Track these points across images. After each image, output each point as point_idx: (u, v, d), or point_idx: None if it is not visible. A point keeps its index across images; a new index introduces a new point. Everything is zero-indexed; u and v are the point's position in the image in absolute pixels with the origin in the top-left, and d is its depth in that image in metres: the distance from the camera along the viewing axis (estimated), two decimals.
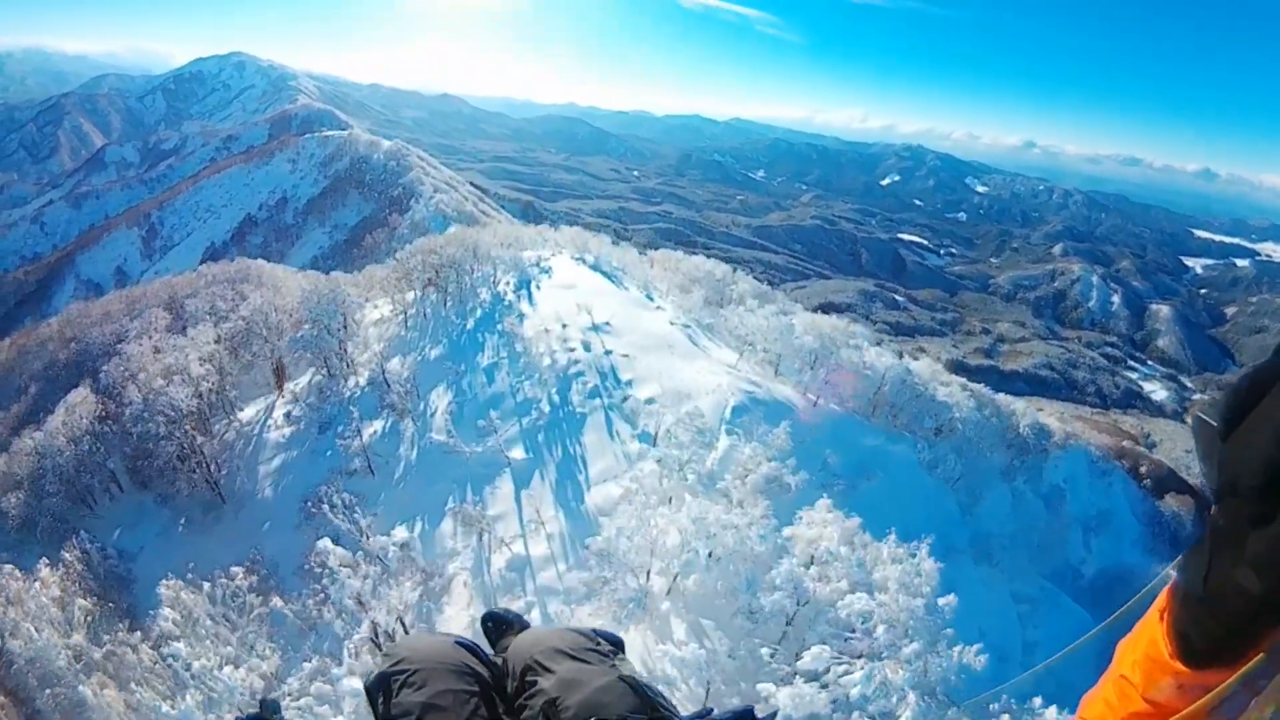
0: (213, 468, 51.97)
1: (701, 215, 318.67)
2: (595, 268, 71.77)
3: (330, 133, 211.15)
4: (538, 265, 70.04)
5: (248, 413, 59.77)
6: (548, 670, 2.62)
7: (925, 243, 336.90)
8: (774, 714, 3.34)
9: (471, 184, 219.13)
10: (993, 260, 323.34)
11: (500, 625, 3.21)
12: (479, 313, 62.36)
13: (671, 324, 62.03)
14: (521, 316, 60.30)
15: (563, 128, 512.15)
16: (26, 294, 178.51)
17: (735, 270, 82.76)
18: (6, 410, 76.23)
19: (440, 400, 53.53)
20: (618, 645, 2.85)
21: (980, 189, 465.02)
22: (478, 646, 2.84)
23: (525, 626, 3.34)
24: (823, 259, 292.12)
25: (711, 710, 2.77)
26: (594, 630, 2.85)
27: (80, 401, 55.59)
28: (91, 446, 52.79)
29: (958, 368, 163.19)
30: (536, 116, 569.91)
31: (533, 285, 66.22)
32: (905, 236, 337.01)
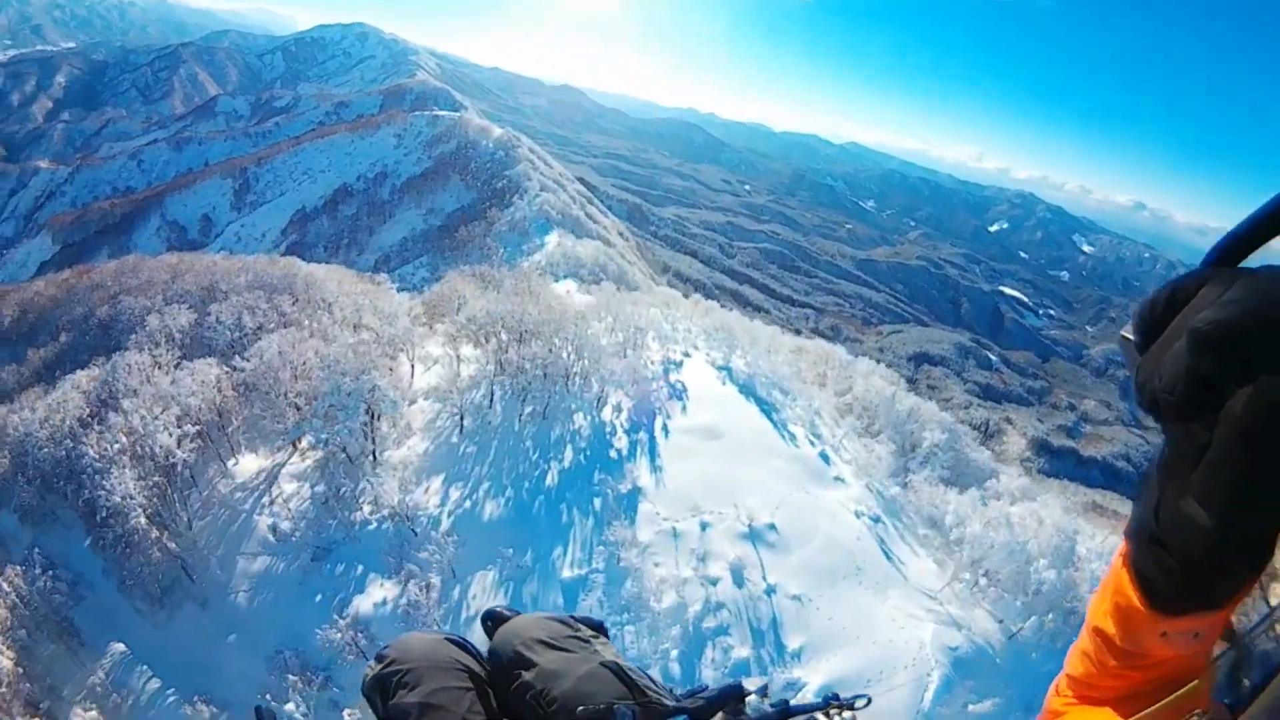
0: (181, 541, 42.74)
1: (808, 240, 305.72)
2: (746, 389, 57.07)
3: (441, 113, 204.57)
4: (665, 379, 54.68)
5: (246, 465, 48.84)
6: (531, 662, 2.62)
7: (1025, 300, 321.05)
8: (764, 686, 2.72)
9: (581, 180, 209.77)
10: (1089, 329, 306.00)
11: (499, 622, 2.92)
12: (569, 455, 47.57)
13: (858, 514, 47.49)
14: (634, 501, 44.22)
15: (679, 132, 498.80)
16: (109, 224, 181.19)
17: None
18: (36, 348, 76.61)
19: (481, 597, 39.40)
20: (598, 629, 2.84)
21: (1086, 248, 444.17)
22: (468, 642, 2.80)
23: None
24: (923, 303, 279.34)
25: (705, 687, 2.76)
26: (573, 616, 2.82)
27: (74, 392, 50.74)
28: (69, 453, 45.70)
29: (1041, 447, 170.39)
30: (654, 118, 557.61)
31: (656, 425, 50.37)
32: (1007, 290, 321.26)
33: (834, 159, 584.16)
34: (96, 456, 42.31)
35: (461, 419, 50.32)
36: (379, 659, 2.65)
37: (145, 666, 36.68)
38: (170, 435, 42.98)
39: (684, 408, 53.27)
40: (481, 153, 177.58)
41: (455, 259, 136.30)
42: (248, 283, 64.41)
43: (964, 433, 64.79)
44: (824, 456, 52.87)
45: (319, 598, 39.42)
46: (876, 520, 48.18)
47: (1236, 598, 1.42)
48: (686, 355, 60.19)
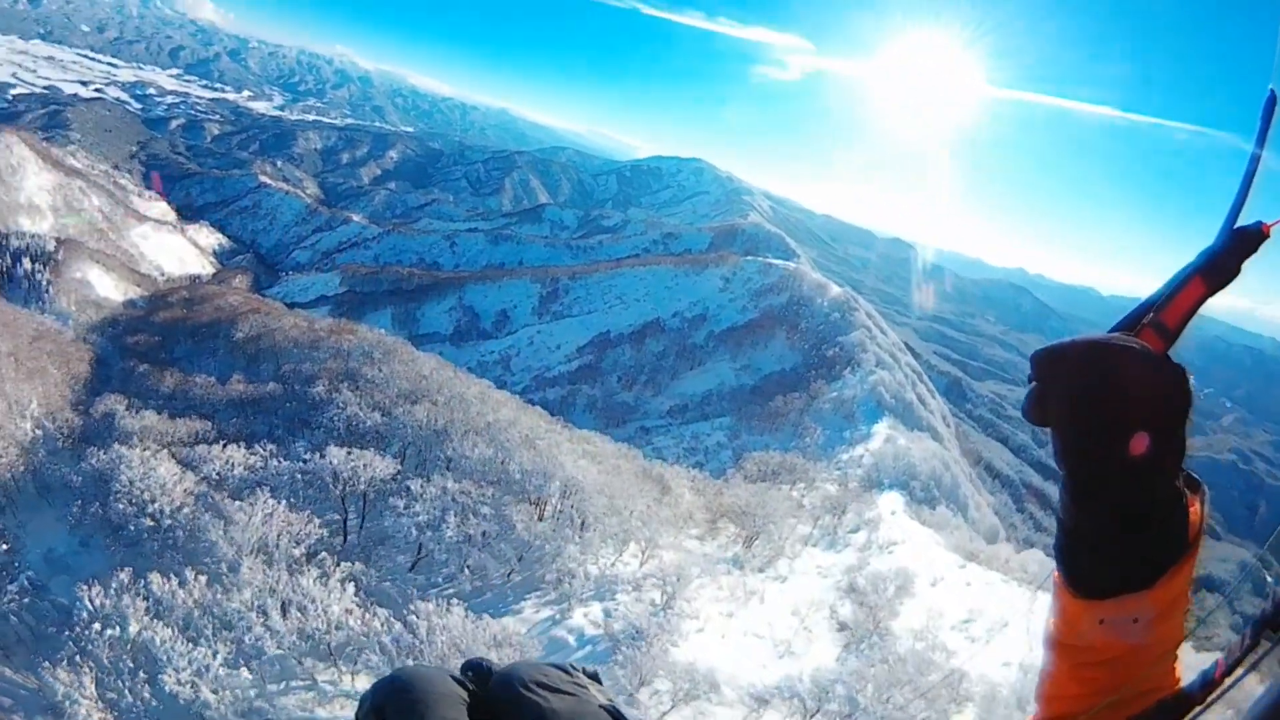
0: None
1: None
2: None
3: (775, 261, 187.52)
4: None
5: None
6: (533, 704, 2.42)
7: None
8: None
9: (909, 348, 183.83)
10: None
11: (480, 675, 2.61)
12: None
13: None
14: None
15: (1006, 296, 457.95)
16: (402, 288, 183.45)
17: None
18: (246, 377, 72.58)
19: None
20: (594, 678, 2.67)
21: None
22: (467, 680, 2.57)
23: None
24: (1220, 509, 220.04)
25: None
26: (570, 664, 2.66)
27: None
28: None
29: None
30: (982, 278, 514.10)
31: None
32: None
33: None
34: None
35: None
36: (377, 689, 2.47)
37: None
38: None
39: None
40: (814, 311, 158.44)
41: (762, 429, 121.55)
42: (479, 460, 49.27)
43: None
44: None
45: None
46: None
47: (1168, 576, 1.58)
48: None
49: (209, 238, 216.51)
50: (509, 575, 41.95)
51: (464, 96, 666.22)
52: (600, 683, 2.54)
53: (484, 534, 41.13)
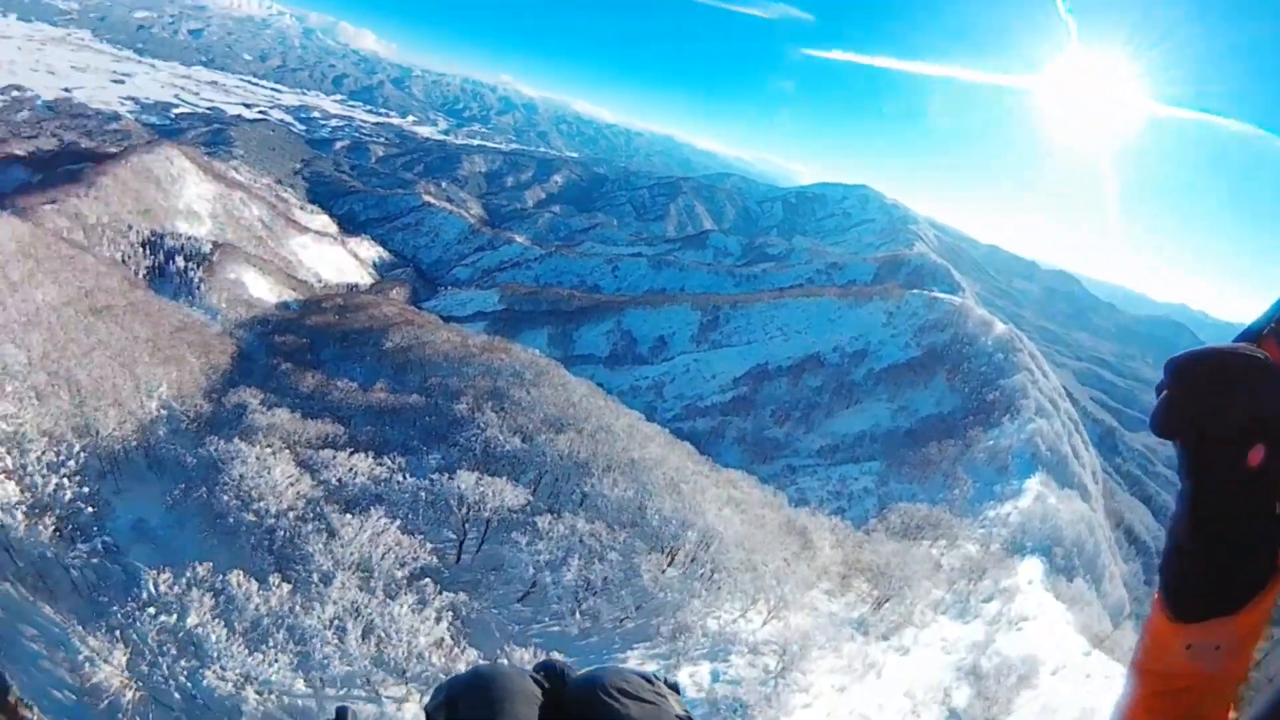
0: None
1: None
2: None
3: (940, 295, 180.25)
4: None
5: None
6: (614, 710, 2.53)
7: None
8: None
9: (1067, 392, 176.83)
10: None
11: (553, 675, 2.76)
12: None
13: None
14: None
15: (1168, 335, 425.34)
16: (560, 309, 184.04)
17: None
18: (395, 387, 75.52)
19: None
20: (674, 688, 2.78)
21: None
22: (543, 680, 2.67)
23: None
24: None
25: None
26: (654, 673, 2.74)
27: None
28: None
29: None
30: (1145, 315, 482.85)
31: None
32: None
33: None
34: None
35: None
36: (451, 683, 2.55)
37: None
38: None
39: None
40: (977, 351, 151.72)
41: (911, 477, 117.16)
42: (617, 500, 48.04)
43: None
44: None
45: None
46: None
47: (1254, 601, 1.58)
48: None
49: (370, 250, 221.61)
50: (621, 621, 41.02)
51: (628, 123, 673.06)
52: (679, 694, 2.61)
53: (605, 580, 40.16)
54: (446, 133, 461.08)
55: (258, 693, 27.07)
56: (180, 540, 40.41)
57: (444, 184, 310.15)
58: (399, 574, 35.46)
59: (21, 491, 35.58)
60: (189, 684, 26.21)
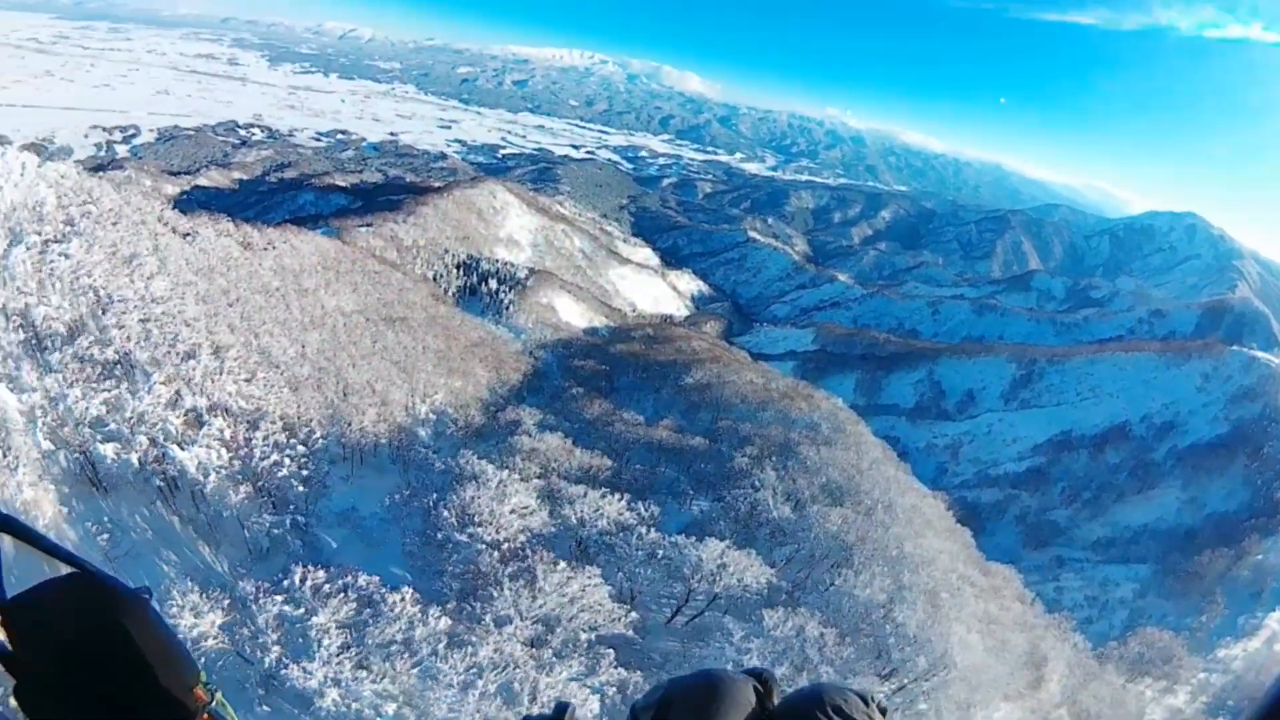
0: None
1: None
2: None
3: (1259, 354, 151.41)
4: None
5: None
6: None
7: None
8: None
9: None
10: None
11: (765, 684, 2.62)
12: None
13: None
14: None
15: None
16: (872, 354, 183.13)
17: None
18: (666, 416, 77.95)
19: None
20: (884, 712, 2.66)
21: None
22: (764, 692, 2.57)
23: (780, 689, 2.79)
24: None
25: None
26: (871, 694, 2.63)
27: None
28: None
29: None
30: None
31: None
32: None
33: None
34: None
35: None
36: (674, 682, 2.47)
37: None
38: None
39: None
40: None
41: (1172, 592, 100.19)
42: (863, 603, 43.56)
43: None
44: None
45: None
46: None
47: None
48: None
49: (689, 284, 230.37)
50: None
51: (956, 152, 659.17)
52: (885, 717, 2.65)
53: None
54: (774, 169, 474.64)
55: (339, 697, 26.00)
56: (380, 537, 41.83)
57: (770, 220, 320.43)
58: (582, 637, 32.79)
59: (230, 460, 36.76)
60: (269, 665, 25.90)
